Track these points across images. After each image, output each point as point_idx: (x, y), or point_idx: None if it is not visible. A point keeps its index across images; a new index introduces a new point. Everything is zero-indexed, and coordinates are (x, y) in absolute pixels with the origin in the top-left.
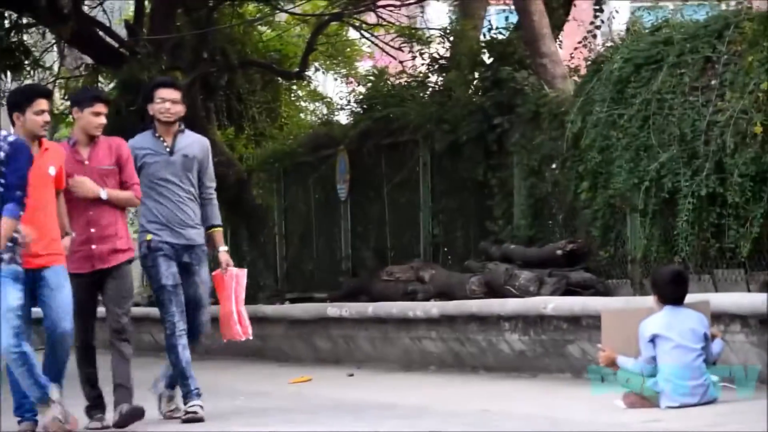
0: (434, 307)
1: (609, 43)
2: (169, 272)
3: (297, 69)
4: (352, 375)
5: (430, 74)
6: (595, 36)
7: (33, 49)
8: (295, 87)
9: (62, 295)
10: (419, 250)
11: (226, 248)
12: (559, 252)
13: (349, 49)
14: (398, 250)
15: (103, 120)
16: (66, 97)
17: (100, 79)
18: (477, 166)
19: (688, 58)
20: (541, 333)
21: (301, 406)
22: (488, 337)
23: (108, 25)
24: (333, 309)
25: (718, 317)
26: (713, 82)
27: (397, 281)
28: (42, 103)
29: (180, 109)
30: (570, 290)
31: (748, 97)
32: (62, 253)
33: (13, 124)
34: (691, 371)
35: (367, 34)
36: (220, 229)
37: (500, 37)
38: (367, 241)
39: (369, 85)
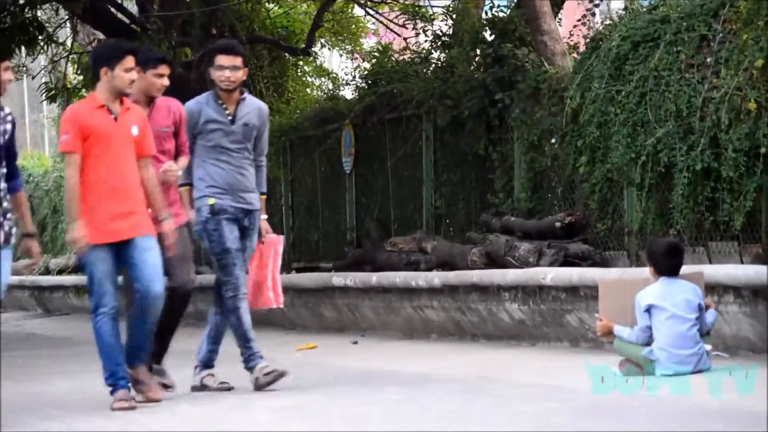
0: (436, 277)
1: (607, 21)
2: (233, 236)
3: (303, 45)
4: (356, 343)
5: (433, 51)
6: (593, 14)
7: (47, 24)
8: (301, 63)
9: (152, 257)
10: (422, 222)
11: (266, 216)
12: (557, 224)
13: (354, 26)
14: (401, 221)
15: (166, 81)
16: (78, 72)
17: None
18: (478, 141)
19: (685, 36)
20: (539, 303)
21: (307, 373)
22: (488, 306)
23: (119, 1)
24: (338, 278)
25: (711, 288)
26: (709, 60)
27: (400, 252)
28: (131, 61)
29: (241, 76)
30: (568, 261)
31: (743, 74)
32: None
33: (98, 78)
34: (686, 340)
35: (371, 12)
36: (264, 196)
37: (501, 14)
38: (372, 212)
39: (373, 61)
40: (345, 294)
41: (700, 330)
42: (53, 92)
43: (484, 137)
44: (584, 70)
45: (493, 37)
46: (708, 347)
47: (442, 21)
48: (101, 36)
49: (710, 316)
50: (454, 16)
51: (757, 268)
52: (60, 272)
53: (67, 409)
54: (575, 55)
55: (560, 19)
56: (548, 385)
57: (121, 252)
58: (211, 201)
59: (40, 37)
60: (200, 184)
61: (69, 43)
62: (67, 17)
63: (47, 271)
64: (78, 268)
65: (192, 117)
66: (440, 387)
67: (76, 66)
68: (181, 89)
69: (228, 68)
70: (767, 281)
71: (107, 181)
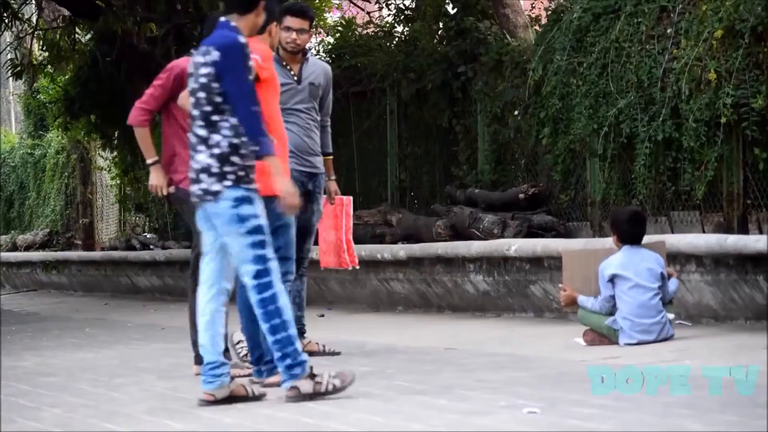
0: (401, 250)
1: None
2: None
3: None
4: (322, 316)
5: (396, 24)
6: None
7: (11, 1)
8: None
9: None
10: (387, 195)
11: (335, 177)
12: (521, 196)
13: (318, 1)
14: (366, 194)
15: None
16: (44, 48)
17: (77, 30)
18: (442, 113)
19: (645, 7)
20: (504, 274)
21: None
22: (454, 278)
23: None
24: None
25: (674, 257)
26: (669, 31)
27: (366, 225)
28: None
29: (306, 38)
30: (532, 232)
31: (702, 45)
32: None
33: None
34: (648, 310)
35: None
36: (331, 157)
37: None
38: (337, 186)
39: (337, 35)
40: (311, 267)
41: (663, 299)
42: (19, 69)
43: (448, 110)
44: (546, 43)
45: (455, 10)
46: (671, 316)
47: None
48: (66, 12)
49: (672, 285)
50: None
51: (718, 237)
52: (27, 248)
53: (36, 384)
54: (537, 27)
55: None
56: (513, 354)
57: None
58: None
59: (4, 14)
60: None
61: (34, 19)
62: None
63: (15, 248)
64: (45, 244)
65: None
66: (406, 357)
67: (41, 42)
68: (146, 65)
69: (296, 30)
70: (728, 250)
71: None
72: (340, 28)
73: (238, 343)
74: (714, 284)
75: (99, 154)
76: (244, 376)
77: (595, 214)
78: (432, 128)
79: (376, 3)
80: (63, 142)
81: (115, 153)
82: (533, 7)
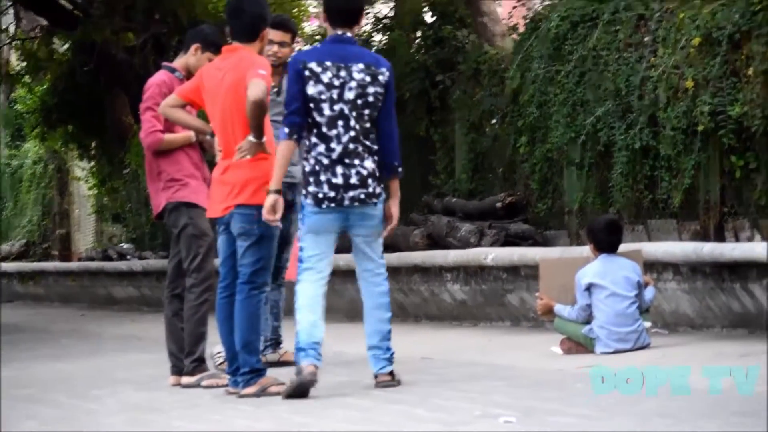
0: None
1: (546, 2)
2: None
3: None
4: None
5: (374, 33)
6: None
7: None
8: None
9: None
10: None
11: None
12: (498, 204)
13: (296, 10)
14: None
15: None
16: (21, 58)
17: (55, 40)
18: (420, 122)
19: (623, 15)
20: (481, 283)
21: None
22: (431, 287)
23: None
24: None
25: (651, 265)
26: (646, 39)
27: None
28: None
29: (287, 52)
30: (509, 241)
31: (680, 53)
32: None
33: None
34: (625, 318)
35: None
36: None
37: None
38: None
39: (316, 44)
40: None
41: (640, 307)
42: None
43: (426, 119)
44: (524, 51)
45: (433, 18)
46: (647, 324)
47: (383, 4)
48: (44, 22)
49: (649, 293)
50: None
51: (695, 245)
52: (4, 259)
53: (12, 396)
54: (515, 36)
55: (500, 0)
56: (490, 363)
57: None
58: None
59: None
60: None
61: (12, 29)
62: (9, 3)
63: None
64: (21, 255)
65: None
66: None
67: (19, 52)
68: (124, 74)
69: (277, 43)
70: (704, 258)
71: None
72: (318, 37)
73: (218, 353)
74: (690, 292)
75: (76, 164)
76: (221, 386)
77: (572, 222)
78: (410, 137)
79: None
80: (40, 153)
81: (92, 163)
82: (511, 16)
